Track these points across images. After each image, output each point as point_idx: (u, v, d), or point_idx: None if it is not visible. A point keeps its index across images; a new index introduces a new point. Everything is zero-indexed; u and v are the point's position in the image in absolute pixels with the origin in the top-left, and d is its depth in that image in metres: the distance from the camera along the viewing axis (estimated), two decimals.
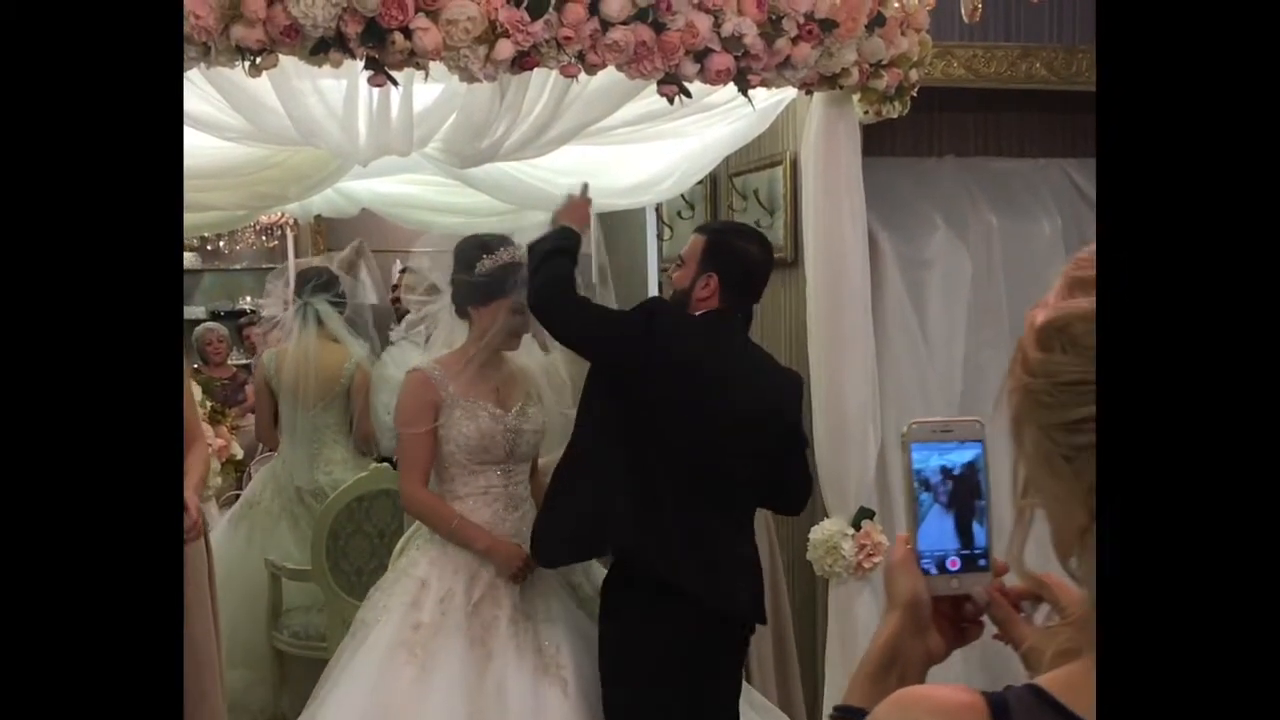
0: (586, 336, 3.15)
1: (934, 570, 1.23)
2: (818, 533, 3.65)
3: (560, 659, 3.18)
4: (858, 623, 3.59)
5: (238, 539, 5.12)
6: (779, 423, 3.16)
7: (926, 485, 1.23)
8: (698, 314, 3.14)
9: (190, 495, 2.97)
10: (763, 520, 3.81)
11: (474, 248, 3.36)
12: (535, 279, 3.15)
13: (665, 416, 3.05)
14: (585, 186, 3.40)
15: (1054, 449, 0.97)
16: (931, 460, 1.22)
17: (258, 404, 5.38)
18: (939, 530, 1.23)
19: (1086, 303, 0.95)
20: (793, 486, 3.27)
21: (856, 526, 3.59)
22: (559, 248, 3.17)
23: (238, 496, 5.75)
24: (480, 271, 3.30)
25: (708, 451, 3.05)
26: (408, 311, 4.87)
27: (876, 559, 3.56)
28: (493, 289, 3.29)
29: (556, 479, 3.19)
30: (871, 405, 3.61)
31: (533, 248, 3.22)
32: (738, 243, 3.21)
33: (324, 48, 2.72)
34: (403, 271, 5.58)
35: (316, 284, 5.09)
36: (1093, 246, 0.97)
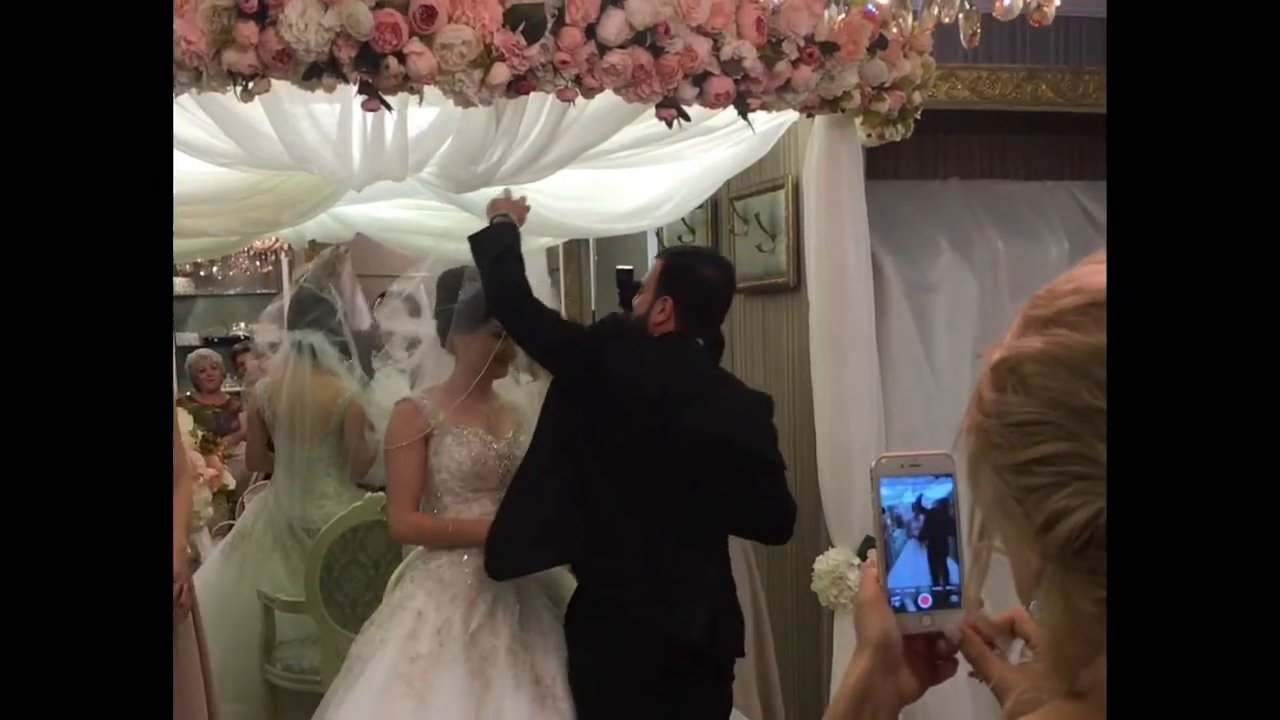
0: (548, 347, 3.23)
1: (907, 607, 1.22)
2: (822, 563, 3.64)
3: (558, 689, 3.18)
4: None
5: (229, 571, 5.12)
6: (744, 445, 3.16)
7: (898, 521, 1.22)
8: (655, 335, 3.18)
9: (178, 564, 2.95)
10: (741, 550, 3.82)
11: (455, 276, 3.40)
12: (492, 282, 3.22)
13: (618, 434, 3.10)
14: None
15: (1006, 490, 0.97)
16: (904, 496, 1.22)
17: (250, 433, 5.39)
18: (911, 567, 1.22)
19: (1040, 342, 0.96)
20: (769, 513, 3.24)
21: (862, 556, 3.58)
22: (509, 248, 3.24)
23: (230, 526, 5.75)
24: (463, 299, 3.34)
25: (663, 472, 3.08)
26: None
27: None
28: (476, 316, 3.33)
29: (512, 488, 3.23)
30: (876, 432, 3.61)
31: (477, 244, 3.27)
32: (694, 266, 3.25)
33: (317, 72, 2.73)
34: (383, 295, 5.59)
35: (312, 317, 5.10)
36: (1052, 284, 0.97)
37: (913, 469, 1.22)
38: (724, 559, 3.25)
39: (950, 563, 1.22)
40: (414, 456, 3.29)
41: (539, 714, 3.16)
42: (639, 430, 3.10)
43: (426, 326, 3.57)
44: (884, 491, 1.22)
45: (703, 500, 3.13)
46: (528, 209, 3.43)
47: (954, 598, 1.22)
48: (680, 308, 3.16)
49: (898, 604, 1.22)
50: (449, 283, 3.41)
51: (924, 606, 1.22)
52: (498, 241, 3.25)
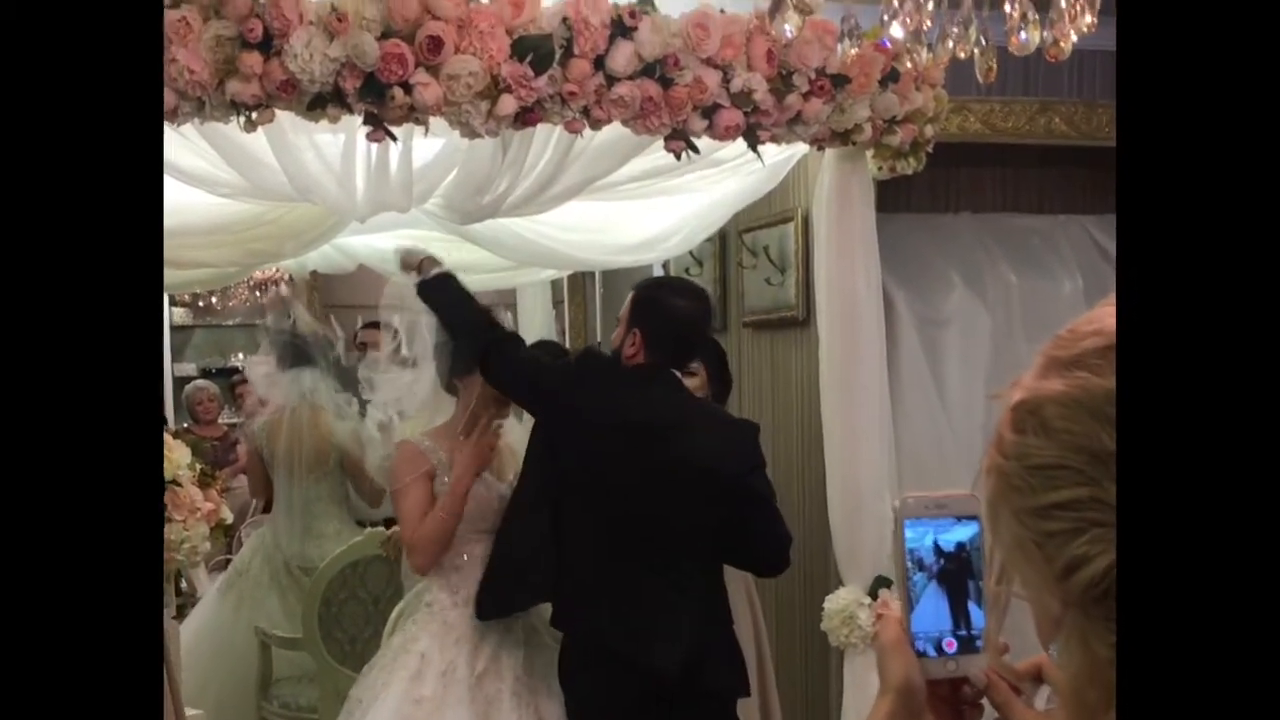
0: (521, 393, 3.31)
1: (929, 652, 1.21)
2: (832, 602, 3.63)
3: None
4: (874, 696, 3.55)
5: (225, 608, 5.12)
6: (725, 474, 3.14)
7: (919, 563, 1.21)
8: (629, 368, 3.21)
9: None
10: (743, 586, 3.82)
11: None
12: (458, 340, 3.38)
13: (591, 469, 3.14)
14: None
15: (1025, 534, 0.97)
16: (926, 538, 1.21)
17: (250, 467, 5.42)
18: (934, 610, 1.21)
19: (1061, 384, 0.95)
20: (758, 543, 3.22)
21: (873, 595, 3.56)
22: (459, 299, 3.39)
23: (227, 561, 5.75)
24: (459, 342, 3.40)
25: (636, 504, 3.10)
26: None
27: None
28: (473, 360, 3.37)
29: (499, 529, 3.30)
30: (887, 469, 3.59)
31: (428, 299, 3.41)
32: (663, 298, 3.27)
33: (321, 103, 2.74)
34: (365, 327, 5.61)
35: (307, 355, 5.12)
36: (1074, 324, 0.97)
37: (938, 510, 1.21)
38: (710, 592, 3.23)
39: (973, 607, 1.21)
40: (419, 493, 3.31)
41: None
42: (610, 463, 3.13)
43: (414, 371, 3.60)
44: (907, 533, 1.21)
45: (680, 531, 3.13)
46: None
47: (978, 642, 1.21)
48: (650, 340, 3.18)
49: (920, 648, 1.21)
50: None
51: (948, 651, 1.21)
52: (447, 295, 3.38)
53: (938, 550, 1.21)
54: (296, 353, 5.13)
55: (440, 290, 3.39)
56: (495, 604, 3.26)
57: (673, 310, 3.23)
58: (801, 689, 4.61)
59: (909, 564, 1.21)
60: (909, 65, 3.15)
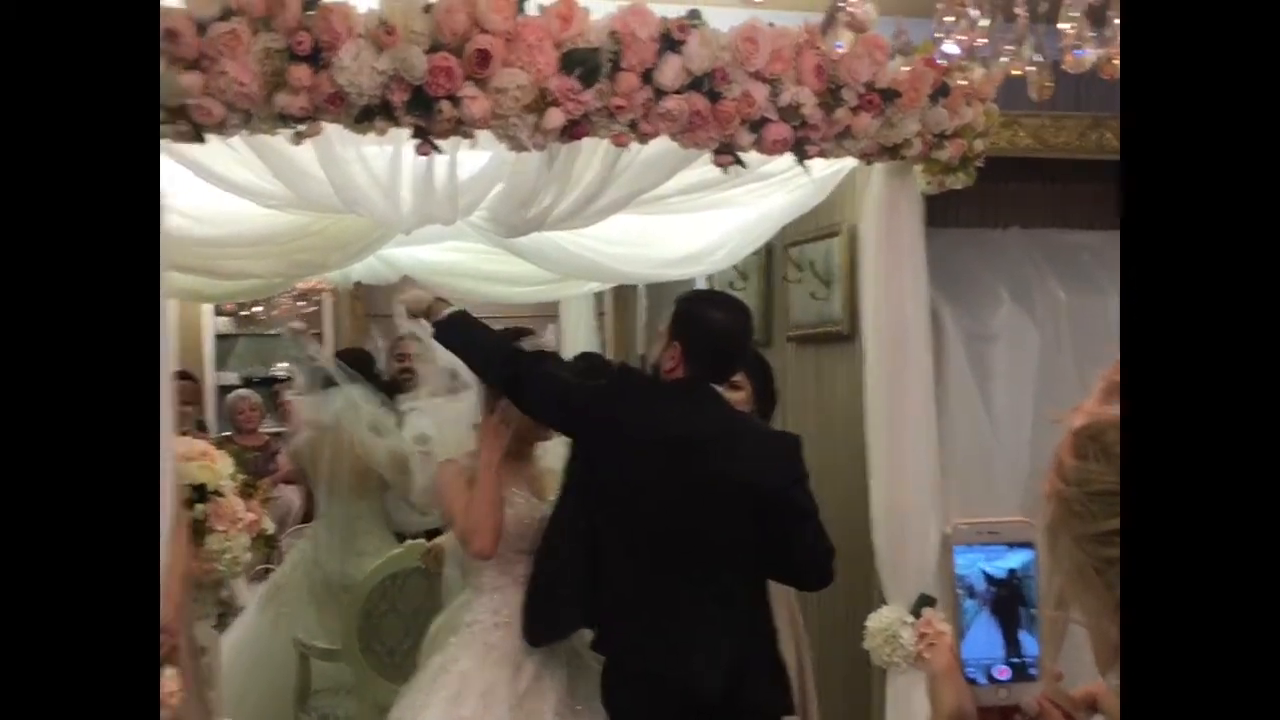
0: (554, 416, 3.34)
1: (981, 680, 1.20)
2: (875, 621, 3.60)
3: None
4: (917, 715, 3.53)
5: (264, 621, 5.17)
6: (765, 487, 3.16)
7: (970, 591, 1.20)
8: (668, 382, 3.23)
9: (168, 615, 2.95)
10: (785, 602, 3.82)
11: None
12: (485, 376, 3.45)
13: (629, 485, 3.15)
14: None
15: (1085, 560, 0.97)
16: (976, 564, 1.20)
17: (295, 480, 5.52)
18: (986, 638, 1.21)
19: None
20: (802, 557, 3.23)
21: (916, 614, 3.54)
22: (478, 327, 3.47)
23: (268, 571, 5.79)
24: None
25: (677, 519, 3.11)
26: (410, 375, 5.11)
27: (937, 648, 3.51)
28: None
29: (537, 552, 3.31)
30: (933, 487, 3.57)
31: (448, 340, 3.50)
32: (703, 311, 3.32)
33: (369, 116, 2.75)
34: (402, 338, 5.71)
35: (350, 374, 5.25)
36: None
37: (990, 536, 1.20)
38: (752, 606, 3.25)
39: (1025, 634, 1.20)
40: (464, 492, 3.34)
41: None
42: (649, 478, 3.13)
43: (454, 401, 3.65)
44: (957, 560, 1.20)
45: (721, 546, 3.14)
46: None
47: (1031, 670, 1.20)
48: (690, 353, 3.22)
49: (971, 675, 1.20)
50: None
51: (1001, 679, 1.20)
52: (465, 334, 3.45)
53: (988, 577, 1.20)
54: (327, 377, 5.21)
55: (456, 330, 3.44)
56: (547, 627, 3.26)
57: (712, 323, 3.27)
58: (842, 708, 4.58)
59: (959, 590, 1.20)
60: (961, 81, 3.14)
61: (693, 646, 3.09)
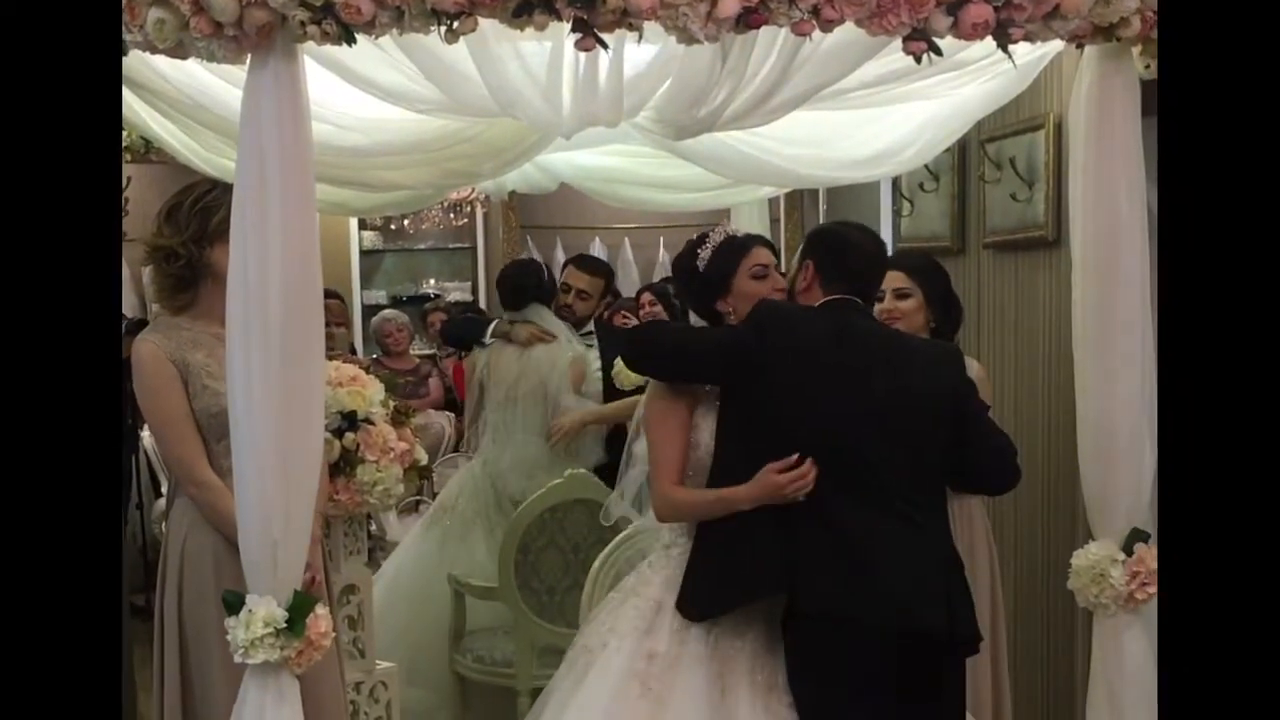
0: (713, 370, 3.34)
1: None
2: (1081, 558, 3.55)
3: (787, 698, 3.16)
4: (1127, 662, 3.48)
5: (429, 546, 5.29)
6: (939, 395, 3.26)
7: None
8: (814, 308, 3.30)
9: (311, 553, 3.04)
10: (982, 526, 3.89)
11: (686, 254, 3.54)
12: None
13: (794, 418, 3.16)
14: None
15: None
16: None
17: (468, 397, 5.70)
18: None
19: None
20: (986, 459, 3.37)
21: (1128, 551, 3.47)
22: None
23: (418, 504, 5.94)
24: (704, 263, 3.45)
25: (857, 443, 3.14)
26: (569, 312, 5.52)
27: (1151, 588, 3.44)
28: (725, 269, 3.43)
29: (696, 530, 3.29)
30: (1148, 412, 3.48)
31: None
32: (834, 228, 3.56)
33: (528, 9, 2.73)
34: (642, 291, 6.02)
35: (533, 293, 5.51)
36: None
37: None
38: (944, 529, 3.29)
39: None
40: (674, 427, 3.34)
41: None
42: (820, 407, 3.15)
43: None
44: None
45: (906, 465, 3.17)
46: None
47: None
48: (821, 270, 3.32)
49: None
50: (682, 261, 3.56)
51: None
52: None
53: None
54: (526, 287, 5.55)
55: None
56: (722, 600, 3.22)
57: (843, 236, 3.43)
58: (1041, 653, 4.55)
59: None
60: None
61: (906, 581, 3.10)
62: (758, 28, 2.89)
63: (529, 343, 5.37)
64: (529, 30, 2.82)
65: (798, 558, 3.13)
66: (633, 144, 4.28)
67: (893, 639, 3.08)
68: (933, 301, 3.91)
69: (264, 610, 2.83)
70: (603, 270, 5.92)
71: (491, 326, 5.56)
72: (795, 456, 3.10)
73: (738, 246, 3.45)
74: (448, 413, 7.51)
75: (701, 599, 3.23)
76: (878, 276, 3.46)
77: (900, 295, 3.89)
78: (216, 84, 3.37)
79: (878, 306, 3.90)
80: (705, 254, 3.45)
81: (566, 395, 5.36)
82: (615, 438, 5.33)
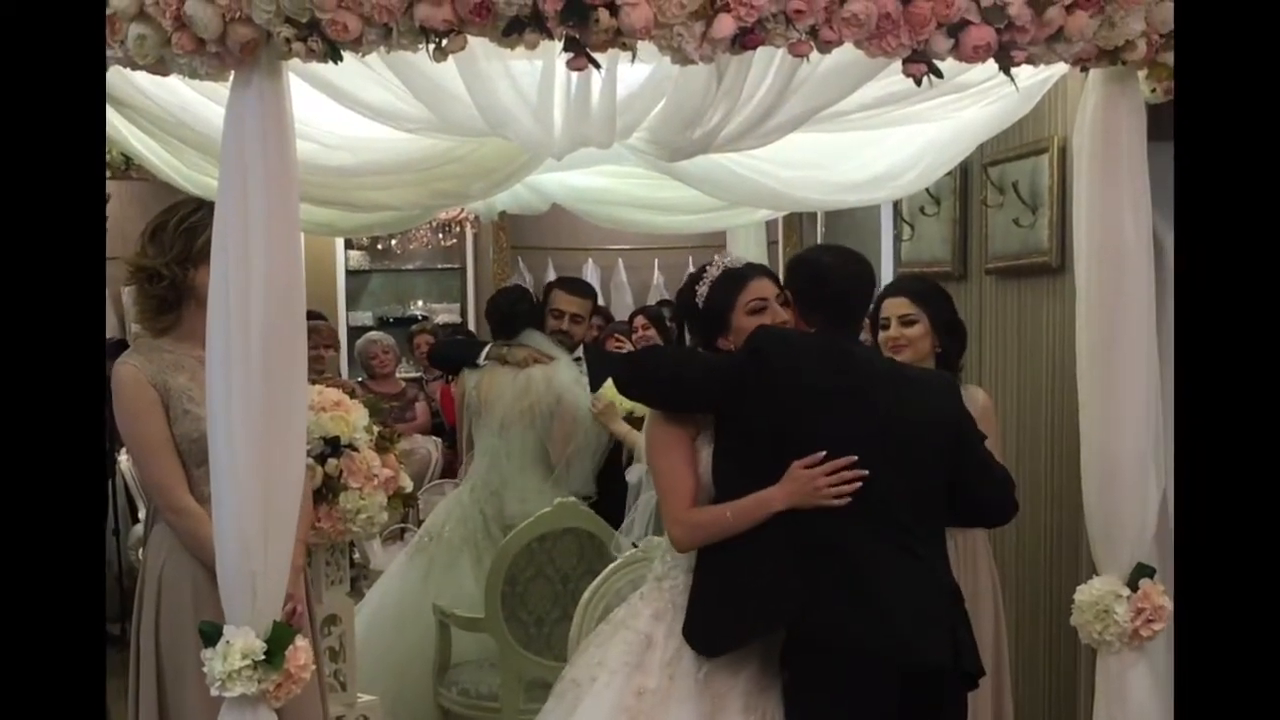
0: (710, 395, 3.33)
1: None
2: (1084, 593, 3.55)
3: None
4: (1130, 700, 3.48)
5: (413, 575, 5.27)
6: (936, 425, 3.26)
7: None
8: (811, 336, 3.32)
9: (292, 584, 3.03)
10: (986, 558, 3.90)
11: (686, 289, 3.55)
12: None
13: (796, 442, 3.15)
14: None
15: None
16: None
17: (458, 421, 5.70)
18: None
19: None
20: (985, 490, 3.36)
21: (1133, 587, 3.47)
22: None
23: (403, 531, 5.93)
24: (702, 299, 3.45)
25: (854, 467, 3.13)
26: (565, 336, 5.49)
27: (1157, 626, 3.44)
28: (722, 305, 3.42)
29: (699, 561, 3.29)
30: (1153, 441, 3.49)
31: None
32: (809, 255, 3.62)
33: (519, 27, 2.74)
34: (635, 314, 6.00)
35: (526, 318, 5.54)
36: None
37: None
38: (944, 561, 3.30)
39: None
40: (679, 453, 3.34)
41: None
42: (819, 432, 3.15)
43: None
44: None
45: (913, 494, 3.18)
46: None
47: None
48: (801, 302, 3.36)
49: None
50: (682, 297, 3.57)
51: None
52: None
53: None
54: (518, 314, 5.59)
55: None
56: (728, 637, 3.21)
57: (817, 263, 3.45)
58: (1044, 689, 4.54)
59: None
60: None
61: (910, 613, 3.11)
62: (754, 48, 2.91)
63: (525, 364, 5.37)
64: (520, 49, 2.83)
65: (802, 586, 3.13)
66: (626, 164, 4.28)
67: (896, 673, 3.08)
68: (938, 327, 3.92)
69: (242, 642, 2.82)
70: (590, 292, 5.96)
71: (486, 349, 5.56)
72: (822, 454, 3.12)
73: (734, 280, 3.42)
74: (435, 438, 7.50)
75: (714, 632, 3.22)
76: (863, 298, 3.45)
77: (906, 322, 3.90)
78: (199, 101, 3.38)
79: (882, 334, 3.91)
80: (703, 290, 3.44)
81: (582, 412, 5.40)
82: (605, 472, 5.37)
